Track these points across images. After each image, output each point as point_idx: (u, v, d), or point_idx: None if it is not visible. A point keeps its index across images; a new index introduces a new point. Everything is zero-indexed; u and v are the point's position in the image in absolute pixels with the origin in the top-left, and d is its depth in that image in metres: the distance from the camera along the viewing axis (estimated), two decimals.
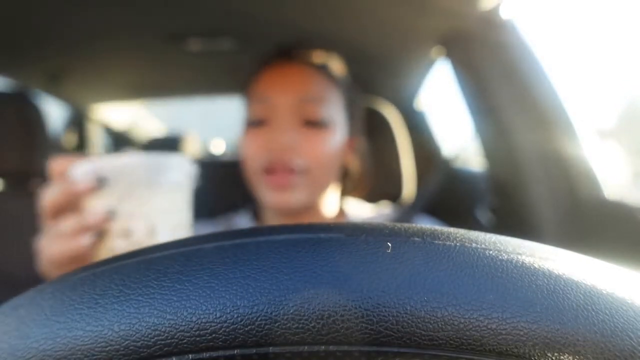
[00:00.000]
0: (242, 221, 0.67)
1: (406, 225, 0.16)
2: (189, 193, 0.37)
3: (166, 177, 0.35)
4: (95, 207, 0.34)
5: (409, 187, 0.86)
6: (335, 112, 0.59)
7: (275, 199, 0.56)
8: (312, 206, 0.59)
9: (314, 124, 0.57)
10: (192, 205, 0.38)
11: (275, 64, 0.60)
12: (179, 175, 0.36)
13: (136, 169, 0.34)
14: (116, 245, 0.34)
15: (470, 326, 0.13)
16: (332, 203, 0.64)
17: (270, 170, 0.55)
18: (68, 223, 0.34)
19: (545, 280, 0.14)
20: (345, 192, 0.68)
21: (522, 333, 0.13)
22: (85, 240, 0.34)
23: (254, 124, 0.58)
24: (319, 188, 0.58)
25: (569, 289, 0.13)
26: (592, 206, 0.62)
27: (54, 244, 0.35)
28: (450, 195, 0.85)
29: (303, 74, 0.59)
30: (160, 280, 0.14)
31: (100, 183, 0.34)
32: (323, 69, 0.60)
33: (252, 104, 0.59)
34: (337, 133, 0.59)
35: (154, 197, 0.35)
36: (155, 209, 0.35)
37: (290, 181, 0.54)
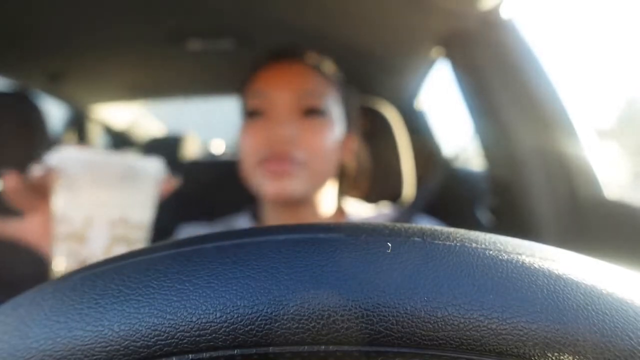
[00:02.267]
0: (241, 223, 0.67)
1: (406, 225, 0.16)
2: (142, 190, 0.39)
3: (108, 173, 0.38)
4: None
5: (409, 187, 0.86)
6: (332, 106, 0.60)
7: (273, 187, 0.55)
8: (310, 201, 0.59)
9: (313, 113, 0.57)
10: (152, 204, 0.40)
11: (272, 63, 0.61)
12: (121, 172, 0.38)
13: (81, 163, 0.37)
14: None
15: (470, 326, 0.13)
16: (330, 200, 0.64)
17: (268, 160, 0.55)
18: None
19: (545, 280, 0.14)
20: (343, 191, 0.69)
21: (522, 333, 0.13)
22: None
23: (252, 115, 0.58)
24: (318, 180, 0.59)
25: (569, 289, 0.13)
26: (592, 206, 0.62)
27: None
28: (450, 195, 0.85)
29: (300, 72, 0.60)
30: (160, 280, 0.14)
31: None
32: (317, 68, 0.61)
33: (250, 99, 0.60)
34: (335, 125, 0.59)
35: (98, 191, 0.38)
36: (94, 202, 0.38)
37: (288, 169, 0.55)
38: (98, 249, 0.37)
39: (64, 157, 0.37)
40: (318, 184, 0.59)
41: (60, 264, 0.37)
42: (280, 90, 0.57)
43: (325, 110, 0.58)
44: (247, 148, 0.58)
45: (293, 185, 0.55)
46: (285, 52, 0.62)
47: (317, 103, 0.58)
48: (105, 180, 0.37)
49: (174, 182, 0.43)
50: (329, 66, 0.64)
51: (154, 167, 0.40)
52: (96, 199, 0.37)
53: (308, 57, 0.62)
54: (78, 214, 0.37)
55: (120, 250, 0.37)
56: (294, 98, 0.57)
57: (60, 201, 0.37)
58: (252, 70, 0.62)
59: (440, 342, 0.13)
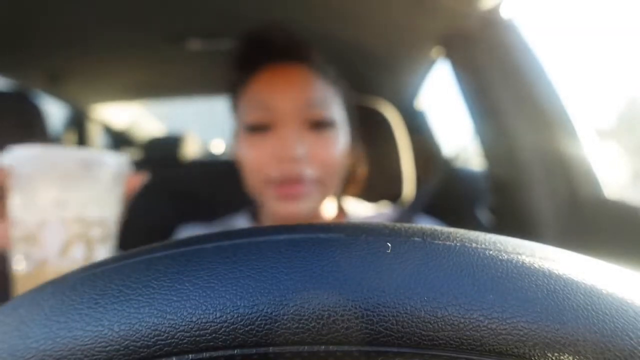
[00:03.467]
0: (241, 223, 0.67)
1: (406, 225, 0.16)
2: (100, 186, 0.37)
3: (60, 169, 0.35)
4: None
5: (409, 187, 0.86)
6: (337, 113, 0.58)
7: (286, 210, 0.53)
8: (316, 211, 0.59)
9: (321, 125, 0.54)
10: (116, 204, 0.38)
11: (273, 65, 0.57)
12: (74, 167, 0.35)
13: (33, 161, 0.35)
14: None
15: (470, 326, 0.13)
16: (331, 204, 0.64)
17: (281, 182, 0.53)
18: None
19: (545, 280, 0.14)
20: (343, 191, 0.68)
21: (522, 333, 0.13)
22: None
23: (256, 129, 0.55)
24: (328, 193, 0.57)
25: (569, 289, 0.13)
26: (592, 206, 0.62)
27: None
28: (450, 195, 0.85)
29: (304, 76, 0.56)
30: (160, 280, 0.14)
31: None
32: (321, 71, 0.58)
33: (251, 109, 0.56)
34: (342, 133, 0.57)
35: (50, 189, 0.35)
36: (48, 201, 0.35)
37: (301, 191, 0.53)
38: (53, 251, 0.35)
39: (15, 156, 0.35)
40: (327, 197, 0.58)
41: (19, 267, 0.35)
42: (285, 100, 0.54)
43: (333, 119, 0.55)
44: (252, 166, 0.55)
45: (306, 206, 0.53)
46: (286, 51, 0.58)
47: (325, 113, 0.55)
48: (58, 177, 0.35)
49: (140, 179, 0.40)
50: (328, 67, 0.61)
51: (114, 161, 0.37)
52: (50, 198, 0.35)
53: (310, 59, 0.58)
54: (32, 215, 0.35)
55: (79, 250, 0.35)
56: (301, 108, 0.54)
57: (15, 203, 0.35)
58: (247, 69, 0.58)
59: (440, 342, 0.13)
